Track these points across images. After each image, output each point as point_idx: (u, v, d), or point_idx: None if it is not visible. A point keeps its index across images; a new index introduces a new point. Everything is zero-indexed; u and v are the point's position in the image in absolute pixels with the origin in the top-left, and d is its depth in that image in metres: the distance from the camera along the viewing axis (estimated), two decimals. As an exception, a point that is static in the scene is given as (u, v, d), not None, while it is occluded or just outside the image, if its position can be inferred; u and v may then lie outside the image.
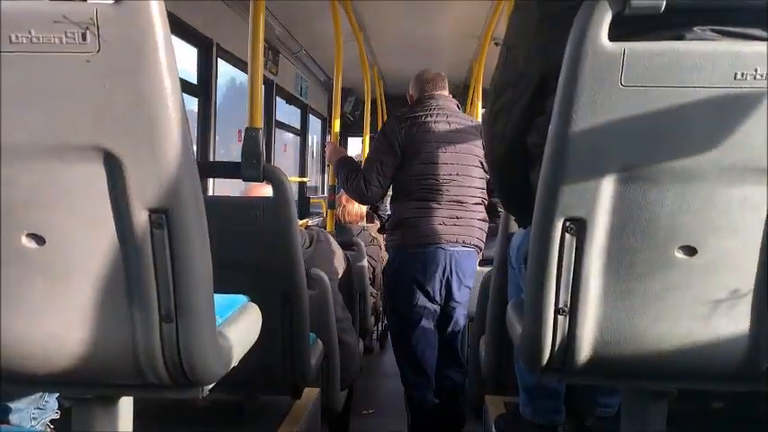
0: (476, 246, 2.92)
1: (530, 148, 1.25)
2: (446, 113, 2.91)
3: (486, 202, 2.98)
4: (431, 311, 2.90)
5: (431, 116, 2.87)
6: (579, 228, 1.03)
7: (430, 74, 3.04)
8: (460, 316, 2.96)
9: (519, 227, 1.62)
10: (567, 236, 1.04)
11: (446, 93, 3.03)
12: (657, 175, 1.00)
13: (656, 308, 1.07)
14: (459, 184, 2.86)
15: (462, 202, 2.86)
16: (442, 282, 2.85)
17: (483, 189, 2.95)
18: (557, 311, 1.07)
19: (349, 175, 2.98)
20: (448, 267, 2.84)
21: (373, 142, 2.97)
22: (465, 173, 2.87)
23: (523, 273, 1.47)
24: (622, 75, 0.95)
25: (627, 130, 0.98)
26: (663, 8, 0.94)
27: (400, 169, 2.85)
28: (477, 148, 2.90)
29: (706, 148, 0.98)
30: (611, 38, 0.95)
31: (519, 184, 1.31)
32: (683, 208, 1.02)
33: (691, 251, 1.03)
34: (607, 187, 1.01)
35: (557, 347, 1.09)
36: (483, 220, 2.96)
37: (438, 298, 2.87)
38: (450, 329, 2.97)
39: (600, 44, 0.95)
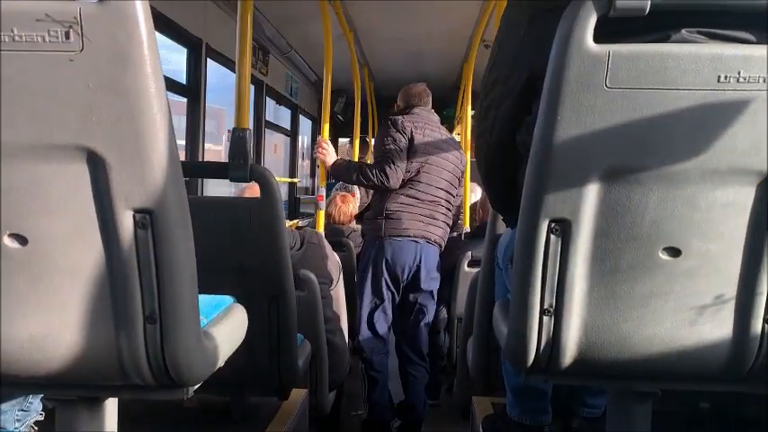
0: (439, 244, 3.25)
1: (518, 147, 1.25)
2: (430, 124, 3.22)
3: (451, 208, 3.32)
4: (393, 293, 3.22)
5: (419, 122, 3.17)
6: (564, 229, 1.03)
7: (417, 88, 3.35)
8: (426, 305, 3.25)
9: (507, 227, 1.62)
10: (553, 237, 1.04)
11: (430, 107, 3.35)
12: (642, 177, 1.01)
13: (641, 309, 1.07)
14: (438, 187, 3.19)
15: (438, 203, 3.20)
16: (411, 270, 3.16)
17: (452, 195, 3.30)
18: (542, 312, 1.08)
19: (361, 168, 3.17)
20: (417, 258, 3.15)
21: (383, 134, 3.17)
22: (443, 177, 3.21)
23: (510, 273, 1.47)
24: (607, 77, 0.96)
25: (611, 132, 0.98)
26: (647, 10, 0.95)
27: None
28: (453, 157, 3.27)
29: (689, 150, 0.99)
30: (599, 39, 0.96)
31: (507, 184, 1.31)
32: (667, 210, 1.02)
33: (675, 253, 1.04)
34: (592, 189, 1.01)
35: (542, 348, 1.10)
36: (447, 223, 3.30)
37: (401, 283, 3.18)
38: (413, 318, 3.26)
39: (585, 46, 0.95)
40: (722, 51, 0.96)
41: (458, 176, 3.33)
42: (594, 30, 0.95)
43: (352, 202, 4.05)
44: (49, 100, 0.94)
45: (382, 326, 3.25)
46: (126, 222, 0.98)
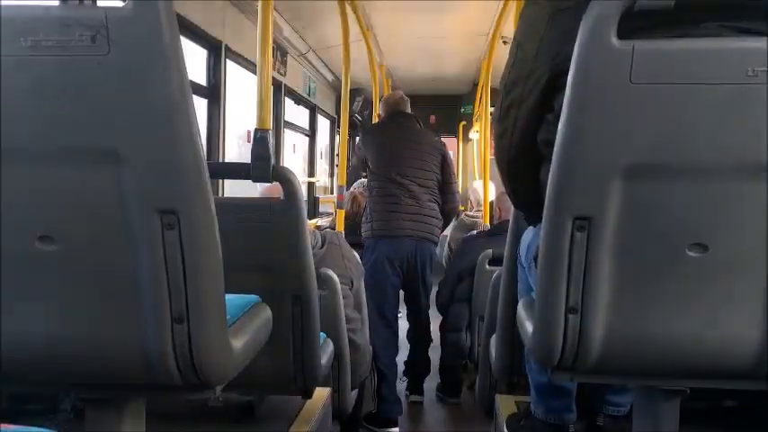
0: (429, 238, 3.57)
1: (539, 146, 1.24)
2: (407, 129, 3.62)
3: (438, 201, 3.61)
4: (396, 279, 3.56)
5: (394, 130, 3.60)
6: (589, 226, 1.02)
7: (394, 97, 3.81)
8: (426, 290, 3.63)
9: (528, 224, 1.61)
10: (578, 234, 1.03)
11: (408, 112, 3.75)
12: (668, 173, 1.00)
13: (668, 306, 1.06)
14: (418, 185, 3.51)
15: (418, 200, 3.50)
16: (408, 262, 3.52)
17: (435, 190, 3.59)
18: (567, 310, 1.07)
19: None
20: (413, 253, 3.52)
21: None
22: (422, 177, 3.53)
23: (533, 271, 1.46)
24: (632, 72, 0.95)
25: (636, 128, 0.97)
26: (674, 3, 0.94)
27: (371, 172, 3.59)
28: (431, 156, 3.58)
29: (717, 144, 0.97)
30: (621, 34, 0.95)
31: (527, 182, 1.31)
32: (694, 206, 1.01)
33: (702, 249, 1.02)
34: (617, 185, 1.00)
35: (568, 346, 1.09)
36: (435, 217, 3.60)
37: (401, 271, 3.53)
38: (416, 300, 3.65)
39: (609, 41, 0.94)
40: (750, 45, 0.94)
41: (434, 170, 3.59)
42: (618, 26, 0.95)
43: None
44: (76, 103, 0.95)
45: (390, 320, 3.55)
46: (153, 223, 0.99)
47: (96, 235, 1.02)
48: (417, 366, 3.79)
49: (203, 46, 3.67)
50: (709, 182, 0.99)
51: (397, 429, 3.43)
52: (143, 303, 1.03)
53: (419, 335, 3.76)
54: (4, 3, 0.97)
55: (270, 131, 1.72)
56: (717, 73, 0.95)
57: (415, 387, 3.80)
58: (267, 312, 1.38)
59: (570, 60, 0.99)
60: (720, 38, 1.00)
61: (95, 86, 0.94)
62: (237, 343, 1.15)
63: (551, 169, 1.04)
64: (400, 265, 3.50)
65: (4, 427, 0.95)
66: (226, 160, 3.75)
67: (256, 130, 1.71)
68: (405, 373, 3.84)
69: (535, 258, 1.34)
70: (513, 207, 1.93)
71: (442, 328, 3.74)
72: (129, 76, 0.93)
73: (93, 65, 0.93)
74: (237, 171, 1.72)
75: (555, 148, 1.02)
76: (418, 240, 3.50)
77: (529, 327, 1.22)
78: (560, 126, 1.01)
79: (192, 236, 1.00)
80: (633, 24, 0.96)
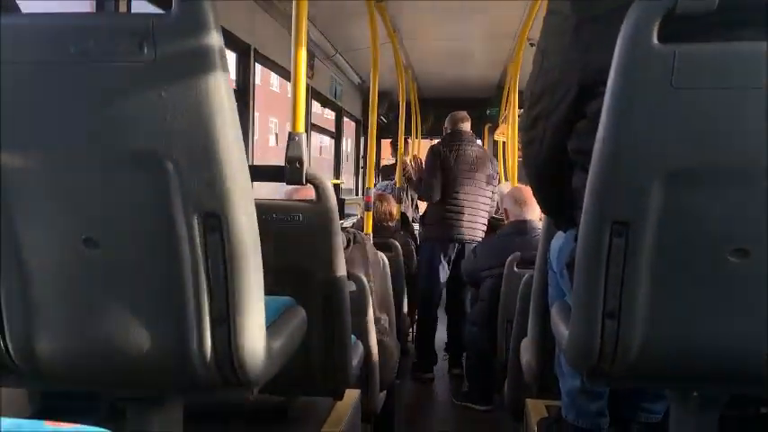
0: (477, 240, 4.20)
1: (570, 153, 1.23)
2: (470, 143, 4.33)
3: (490, 206, 4.38)
4: (444, 269, 4.32)
5: (460, 145, 4.26)
6: (628, 230, 1.02)
7: (459, 114, 4.45)
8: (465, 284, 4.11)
9: (557, 229, 1.61)
10: (615, 239, 1.03)
11: (468, 127, 4.42)
12: (709, 178, 0.99)
13: (708, 312, 1.05)
14: (476, 194, 4.24)
15: (476, 209, 4.26)
16: (454, 257, 4.27)
17: (490, 198, 4.35)
18: (605, 315, 1.06)
19: (418, 182, 4.64)
20: (461, 250, 4.24)
21: (427, 160, 4.39)
22: (480, 186, 4.27)
23: (565, 276, 1.46)
24: (673, 76, 0.94)
25: (678, 133, 0.97)
26: (716, 6, 0.93)
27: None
28: (487, 168, 4.32)
29: (759, 149, 0.96)
30: (662, 39, 0.94)
31: (557, 188, 1.30)
32: (736, 211, 1.00)
33: (743, 255, 1.01)
34: (657, 189, 1.00)
35: (604, 352, 1.08)
36: (485, 220, 4.34)
37: (450, 262, 4.31)
38: (457, 286, 4.32)
39: (650, 46, 0.94)
40: None
41: (492, 182, 4.34)
42: (659, 30, 0.94)
43: (389, 200, 4.28)
44: (123, 108, 0.97)
45: (436, 305, 4.38)
46: (195, 226, 1.00)
47: (140, 237, 1.04)
48: (455, 343, 4.40)
49: (232, 50, 3.70)
50: (752, 187, 0.98)
51: (432, 374, 4.33)
52: (184, 304, 1.05)
53: (457, 309, 4.40)
54: (51, 10, 1.01)
55: (303, 134, 1.73)
56: (759, 77, 0.94)
57: (455, 362, 4.42)
58: (302, 314, 1.40)
59: (600, 68, 0.99)
60: (762, 42, 0.99)
61: (141, 92, 0.96)
62: (275, 344, 1.17)
63: (590, 174, 1.03)
64: (448, 261, 4.25)
65: (50, 424, 0.97)
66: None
67: (290, 133, 1.73)
68: (445, 349, 4.52)
69: (567, 264, 1.34)
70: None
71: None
72: (175, 81, 0.95)
73: (140, 71, 0.95)
74: (271, 174, 1.74)
75: (593, 153, 1.02)
76: (471, 242, 4.18)
77: (563, 331, 1.22)
78: (599, 131, 1.00)
79: (233, 238, 1.01)
80: (675, 28, 0.95)
